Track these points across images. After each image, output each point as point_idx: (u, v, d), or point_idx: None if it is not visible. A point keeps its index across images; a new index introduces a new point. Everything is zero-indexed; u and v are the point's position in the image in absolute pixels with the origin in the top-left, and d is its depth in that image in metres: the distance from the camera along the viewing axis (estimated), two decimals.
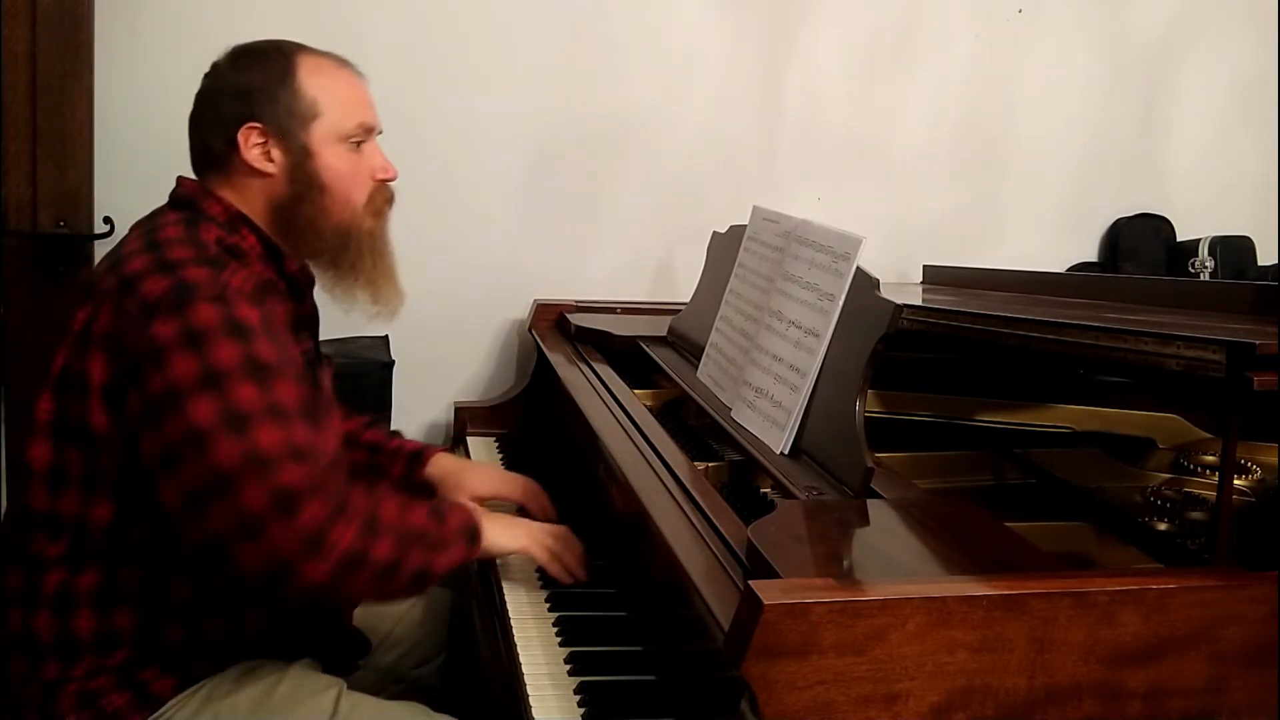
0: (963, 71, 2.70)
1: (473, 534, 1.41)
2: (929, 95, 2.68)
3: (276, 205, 1.45)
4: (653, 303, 2.47)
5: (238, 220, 1.44)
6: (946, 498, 1.46)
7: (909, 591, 0.96)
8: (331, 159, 1.45)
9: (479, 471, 1.80)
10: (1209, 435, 1.78)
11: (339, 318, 2.32)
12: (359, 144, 1.48)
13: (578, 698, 1.25)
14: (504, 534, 1.48)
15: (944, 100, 2.69)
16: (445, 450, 1.81)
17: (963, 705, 0.96)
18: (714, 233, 2.08)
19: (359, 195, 1.49)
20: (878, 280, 1.44)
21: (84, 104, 2.14)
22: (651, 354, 2.06)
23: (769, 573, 1.03)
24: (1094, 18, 2.76)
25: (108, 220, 2.17)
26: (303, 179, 1.44)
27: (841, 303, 1.46)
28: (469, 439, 2.23)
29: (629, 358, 2.11)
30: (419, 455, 1.76)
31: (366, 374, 2.22)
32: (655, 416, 1.73)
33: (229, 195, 1.45)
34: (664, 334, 2.14)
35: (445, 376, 2.46)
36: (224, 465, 1.22)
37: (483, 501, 1.71)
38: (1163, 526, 1.47)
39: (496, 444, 2.21)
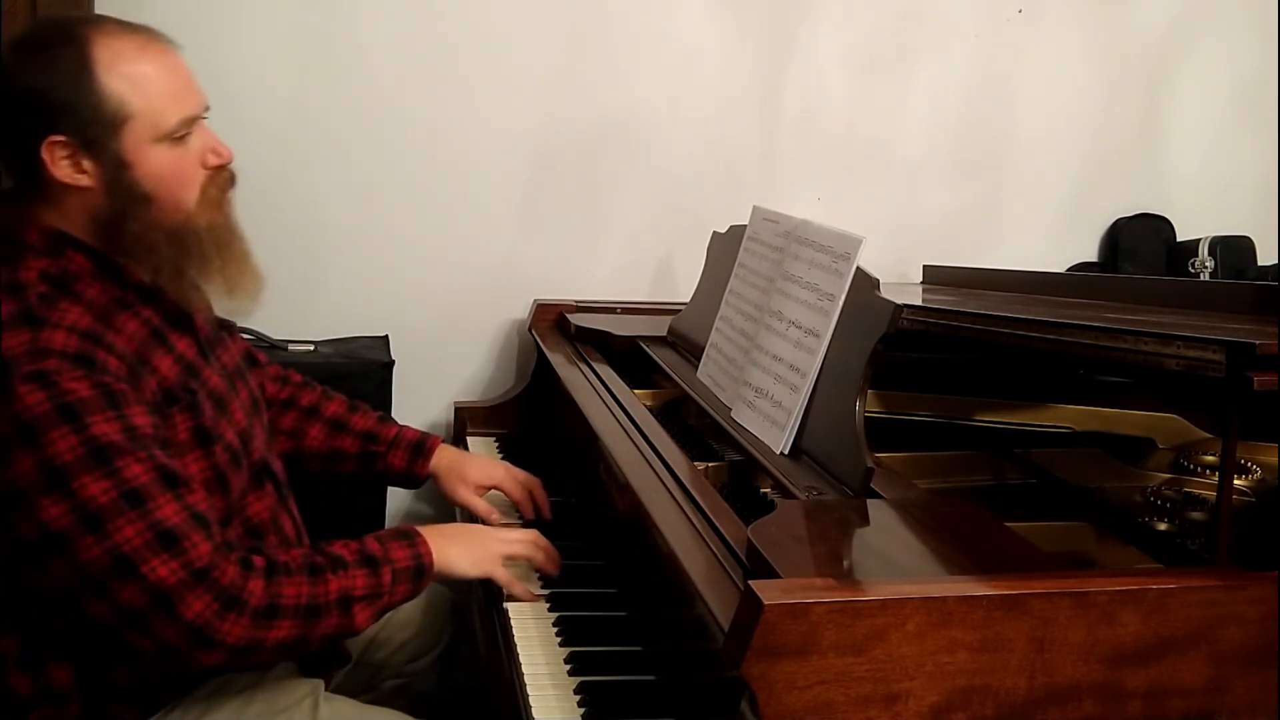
0: (963, 72, 2.69)
1: (419, 572, 1.37)
2: (929, 95, 2.68)
3: (100, 220, 1.30)
4: (653, 303, 2.47)
5: (59, 242, 1.29)
6: (946, 498, 1.46)
7: (909, 591, 0.96)
8: (152, 164, 1.29)
9: (480, 464, 1.77)
10: (1209, 435, 1.78)
11: (338, 318, 2.34)
12: (182, 137, 1.31)
13: (578, 698, 1.25)
14: (464, 559, 1.42)
15: (944, 100, 2.69)
16: (445, 443, 1.77)
17: (963, 705, 0.96)
18: (714, 233, 2.08)
19: (189, 194, 1.33)
20: (878, 280, 1.43)
21: None
22: (651, 354, 2.06)
23: (769, 573, 1.03)
24: (1094, 18, 2.75)
25: None
26: (122, 192, 1.29)
27: (841, 303, 1.46)
28: (469, 439, 2.23)
29: (629, 358, 2.11)
30: (422, 446, 1.72)
31: (366, 374, 2.22)
32: (655, 416, 1.73)
33: (47, 213, 1.30)
34: (664, 334, 2.14)
35: (445, 376, 2.46)
36: (90, 568, 1.18)
37: (482, 492, 1.71)
38: (1163, 526, 1.47)
39: (496, 444, 2.21)
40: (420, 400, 2.42)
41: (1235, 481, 1.39)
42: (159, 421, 1.27)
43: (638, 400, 1.84)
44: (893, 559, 1.13)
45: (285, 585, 1.25)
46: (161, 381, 1.30)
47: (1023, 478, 1.68)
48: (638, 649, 1.36)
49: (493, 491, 1.75)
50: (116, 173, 1.28)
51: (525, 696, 1.26)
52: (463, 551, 1.43)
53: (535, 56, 2.43)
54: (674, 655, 1.29)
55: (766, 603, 0.91)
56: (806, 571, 1.03)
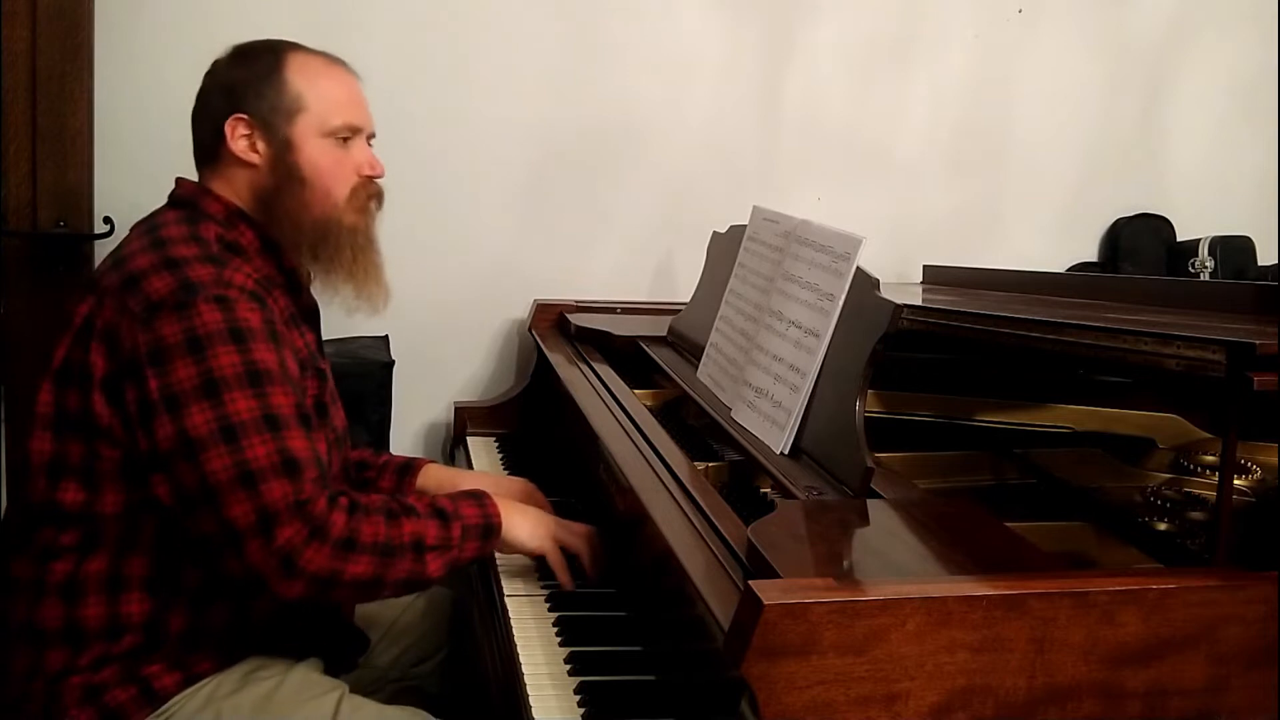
0: (963, 71, 2.69)
1: (488, 530, 1.43)
2: (929, 95, 2.68)
3: (261, 196, 1.48)
4: (653, 303, 2.47)
5: (236, 216, 1.47)
6: (946, 498, 1.46)
7: (909, 591, 0.96)
8: (313, 152, 1.48)
9: (473, 479, 1.77)
10: (1209, 435, 1.78)
11: (339, 318, 2.34)
12: (345, 140, 1.51)
13: (578, 698, 1.25)
14: (525, 528, 1.48)
15: (944, 100, 2.69)
16: (433, 462, 1.80)
17: (963, 705, 0.96)
18: (714, 233, 2.08)
19: (340, 190, 1.51)
20: (878, 280, 1.43)
21: (84, 104, 2.14)
22: (651, 354, 2.06)
23: (769, 573, 1.03)
24: (1094, 18, 2.76)
25: (108, 220, 2.17)
26: (283, 170, 1.48)
27: (841, 303, 1.45)
28: (469, 439, 2.23)
29: (629, 358, 2.11)
30: (408, 467, 1.76)
31: (366, 374, 2.22)
32: (655, 416, 1.73)
33: (224, 190, 1.49)
34: (664, 334, 2.14)
35: (445, 376, 2.46)
36: (213, 477, 1.26)
37: None
38: (1163, 526, 1.47)
39: (496, 444, 2.21)
40: (420, 400, 2.42)
41: (1235, 481, 1.38)
42: (307, 368, 1.43)
43: (638, 400, 1.84)
44: (893, 559, 1.13)
45: (364, 523, 1.32)
46: (298, 352, 1.45)
47: (1023, 478, 1.68)
48: (638, 649, 1.36)
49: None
50: (282, 153, 1.47)
51: (525, 696, 1.26)
52: (525, 523, 1.49)
53: (536, 57, 2.43)
54: (674, 655, 1.29)
55: (766, 603, 0.91)
56: (806, 571, 1.03)
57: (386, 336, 2.36)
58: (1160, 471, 1.71)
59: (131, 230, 1.48)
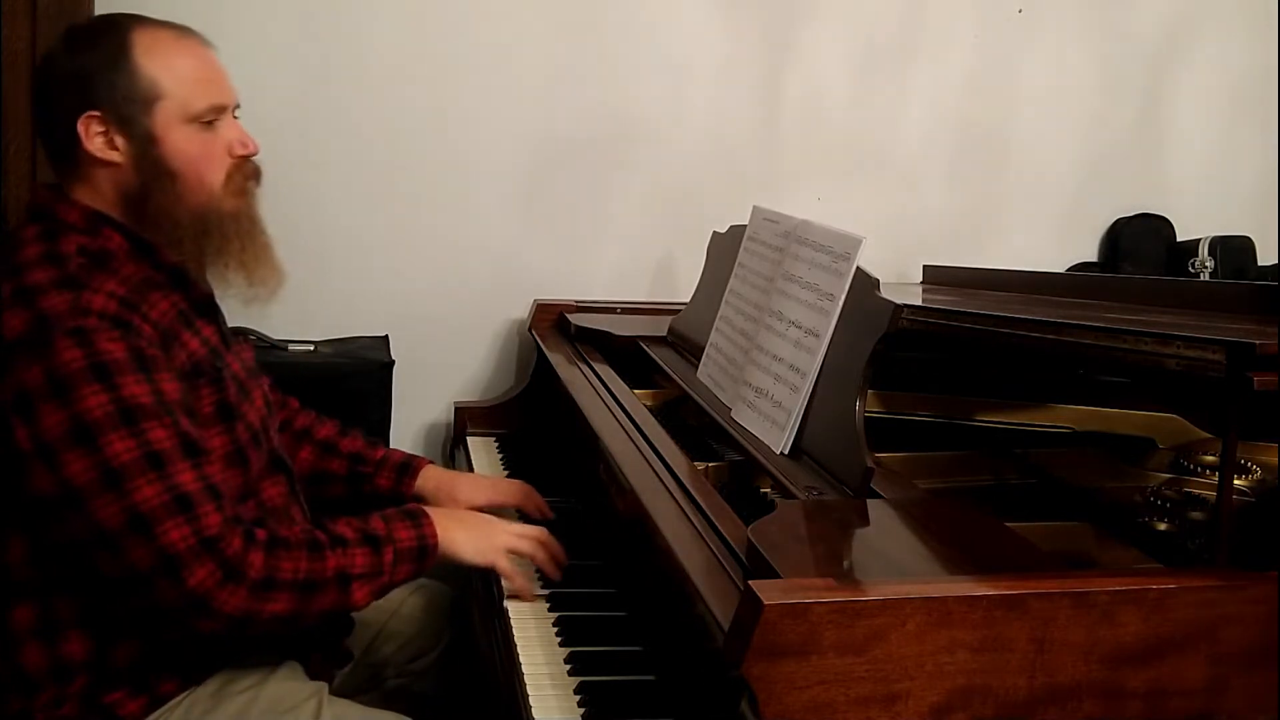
0: (963, 72, 2.69)
1: (422, 552, 1.39)
2: (929, 95, 2.68)
3: (129, 196, 1.37)
4: (653, 303, 2.47)
5: (97, 221, 1.36)
6: (946, 498, 1.46)
7: (909, 591, 0.96)
8: (180, 142, 1.36)
9: (471, 482, 1.77)
10: (1209, 435, 1.78)
11: (338, 318, 2.34)
12: (210, 123, 1.39)
13: (578, 698, 1.25)
14: (468, 544, 1.44)
15: (944, 100, 2.69)
16: (432, 462, 1.78)
17: (963, 705, 0.96)
18: (714, 233, 2.08)
19: (214, 176, 1.39)
20: (878, 280, 1.43)
21: None
22: (651, 354, 2.06)
23: (769, 573, 1.03)
24: (1094, 18, 2.75)
25: None
26: (150, 167, 1.36)
27: (841, 303, 1.45)
28: (469, 439, 2.23)
29: (629, 358, 2.11)
30: (407, 467, 1.72)
31: (366, 374, 2.22)
32: (655, 416, 1.73)
33: (83, 193, 1.37)
34: (664, 334, 2.14)
35: (445, 376, 2.46)
36: (105, 524, 1.21)
37: (479, 510, 1.67)
38: (1163, 526, 1.47)
39: (496, 444, 2.21)
40: (420, 400, 2.42)
41: (1235, 481, 1.38)
42: (187, 390, 1.33)
43: (638, 400, 1.84)
44: (893, 559, 1.13)
45: (284, 560, 1.28)
46: (190, 355, 1.36)
47: (1023, 478, 1.68)
48: (638, 649, 1.36)
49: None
50: (145, 148, 1.35)
51: (525, 696, 1.26)
52: (468, 537, 1.45)
53: (535, 57, 2.43)
54: (674, 655, 1.29)
55: (766, 603, 0.91)
56: (806, 571, 1.03)
57: (386, 336, 2.36)
58: (1160, 471, 1.70)
59: None
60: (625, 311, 2.42)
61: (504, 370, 2.50)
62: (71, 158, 1.36)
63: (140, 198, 1.37)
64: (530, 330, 2.37)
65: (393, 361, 2.27)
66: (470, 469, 2.06)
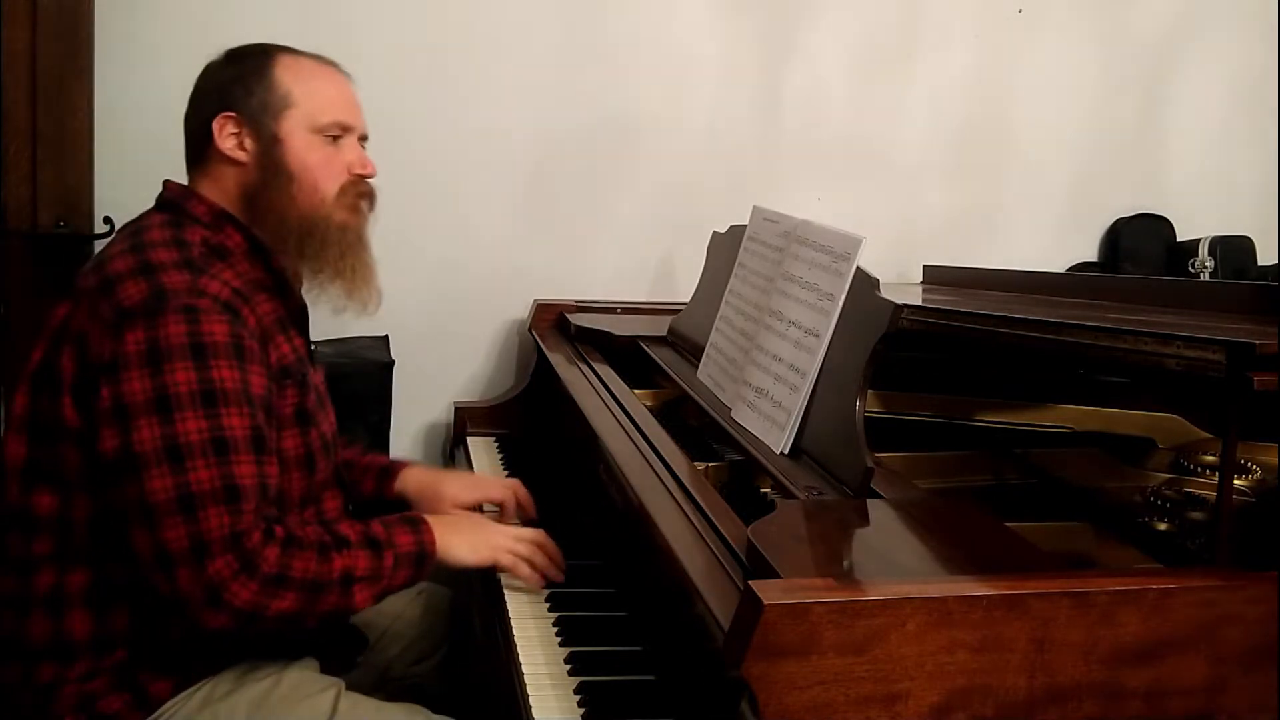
0: (963, 71, 2.70)
1: (421, 558, 1.41)
2: (929, 95, 2.68)
3: (248, 194, 1.46)
4: (653, 303, 2.47)
5: (222, 218, 1.45)
6: (946, 498, 1.46)
7: (909, 591, 0.96)
8: (301, 148, 1.46)
9: (458, 481, 1.77)
10: (1209, 435, 1.78)
11: (338, 318, 2.33)
12: (335, 138, 1.49)
13: (578, 698, 1.25)
14: (464, 547, 1.46)
15: (944, 100, 2.69)
16: (415, 464, 1.79)
17: (963, 705, 0.96)
18: (714, 233, 2.08)
19: (329, 186, 1.48)
20: (878, 280, 1.43)
21: (84, 104, 2.15)
22: (651, 354, 2.06)
23: (769, 573, 1.03)
24: (1094, 17, 2.76)
25: (108, 220, 2.17)
26: (270, 166, 1.45)
27: (841, 303, 1.45)
28: (469, 439, 2.23)
29: (629, 358, 2.11)
30: (387, 470, 1.74)
31: (366, 374, 2.23)
32: (655, 416, 1.73)
33: (211, 191, 1.47)
34: (664, 334, 2.14)
35: (445, 376, 2.46)
36: (152, 496, 1.24)
37: (468, 509, 1.69)
38: (1163, 526, 1.47)
39: (496, 444, 2.21)
40: (420, 400, 2.42)
41: (1235, 481, 1.38)
42: (273, 388, 1.39)
43: (638, 400, 1.84)
44: (893, 559, 1.13)
45: (296, 558, 1.30)
46: (282, 358, 1.43)
47: (1023, 478, 1.68)
48: (638, 649, 1.36)
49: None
50: (269, 147, 1.45)
51: (525, 696, 1.26)
52: (465, 540, 1.47)
53: (535, 57, 2.43)
54: (674, 655, 1.29)
55: (766, 603, 0.91)
56: (806, 571, 1.03)
57: (386, 336, 2.36)
58: (1160, 471, 1.70)
59: (117, 232, 1.47)
60: (625, 311, 2.42)
61: (504, 370, 2.50)
62: (203, 154, 1.47)
63: (257, 194, 1.45)
64: (530, 330, 2.37)
65: (393, 361, 2.27)
66: (470, 469, 2.06)
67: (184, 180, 1.52)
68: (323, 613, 1.33)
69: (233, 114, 1.45)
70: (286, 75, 1.47)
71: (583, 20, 2.45)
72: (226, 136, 1.45)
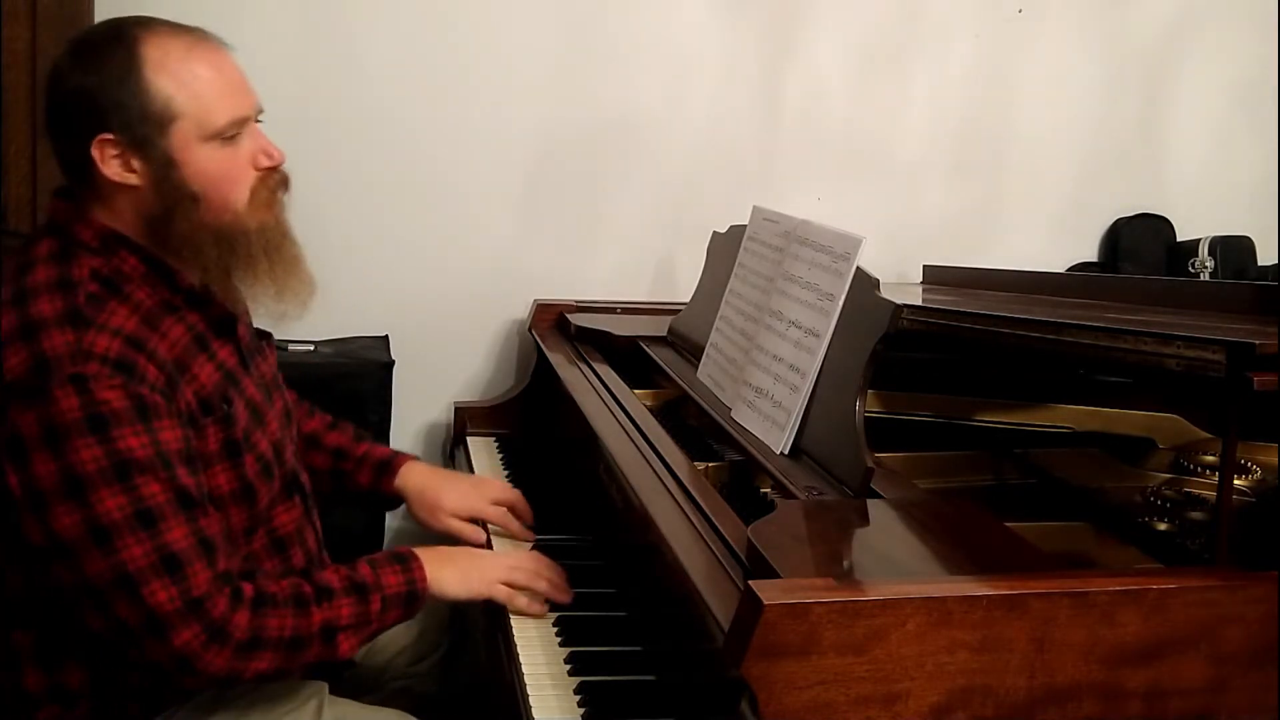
0: (963, 71, 2.69)
1: (411, 597, 1.38)
2: (929, 95, 2.68)
3: (149, 221, 1.31)
4: (653, 303, 2.47)
5: (113, 242, 1.30)
6: (946, 498, 1.46)
7: (909, 591, 0.96)
8: (200, 163, 1.29)
9: (457, 491, 1.70)
10: (1209, 435, 1.78)
11: (338, 318, 2.34)
12: (232, 138, 1.32)
13: (578, 698, 1.25)
14: (456, 581, 1.43)
15: (944, 100, 2.69)
16: (415, 459, 1.73)
17: (963, 705, 0.96)
18: (714, 233, 2.08)
19: (239, 194, 1.33)
20: (878, 280, 1.43)
21: None
22: (651, 354, 2.06)
23: (769, 573, 1.03)
24: (1094, 18, 2.75)
25: None
26: (170, 191, 1.29)
27: (841, 303, 1.45)
28: (469, 439, 2.23)
29: (629, 358, 2.11)
30: (387, 464, 1.69)
31: (366, 374, 2.22)
32: (655, 416, 1.73)
33: (102, 213, 1.31)
34: (664, 334, 2.14)
35: (445, 376, 2.46)
36: (92, 580, 1.19)
37: (466, 522, 1.66)
38: (1163, 526, 1.47)
39: (496, 444, 2.21)
40: (420, 400, 2.42)
41: (1235, 481, 1.38)
42: (189, 434, 1.28)
43: (638, 400, 1.84)
44: (893, 559, 1.13)
45: (270, 618, 1.26)
46: (199, 391, 1.31)
47: (1023, 478, 1.68)
48: (638, 649, 1.36)
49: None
50: (164, 171, 1.28)
51: (525, 696, 1.26)
52: (455, 574, 1.43)
53: (535, 56, 2.43)
54: (674, 655, 1.29)
55: (766, 603, 0.91)
56: (806, 571, 1.03)
57: (386, 336, 2.36)
58: (1160, 471, 1.70)
59: (4, 262, 1.32)
60: (625, 311, 2.42)
61: (504, 370, 2.50)
62: (88, 179, 1.30)
63: (162, 221, 1.31)
64: (530, 330, 2.37)
65: (393, 361, 2.27)
66: (470, 469, 2.06)
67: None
68: (305, 665, 1.31)
69: (110, 135, 1.26)
70: (160, 76, 1.26)
71: (583, 20, 2.44)
72: (109, 161, 1.27)
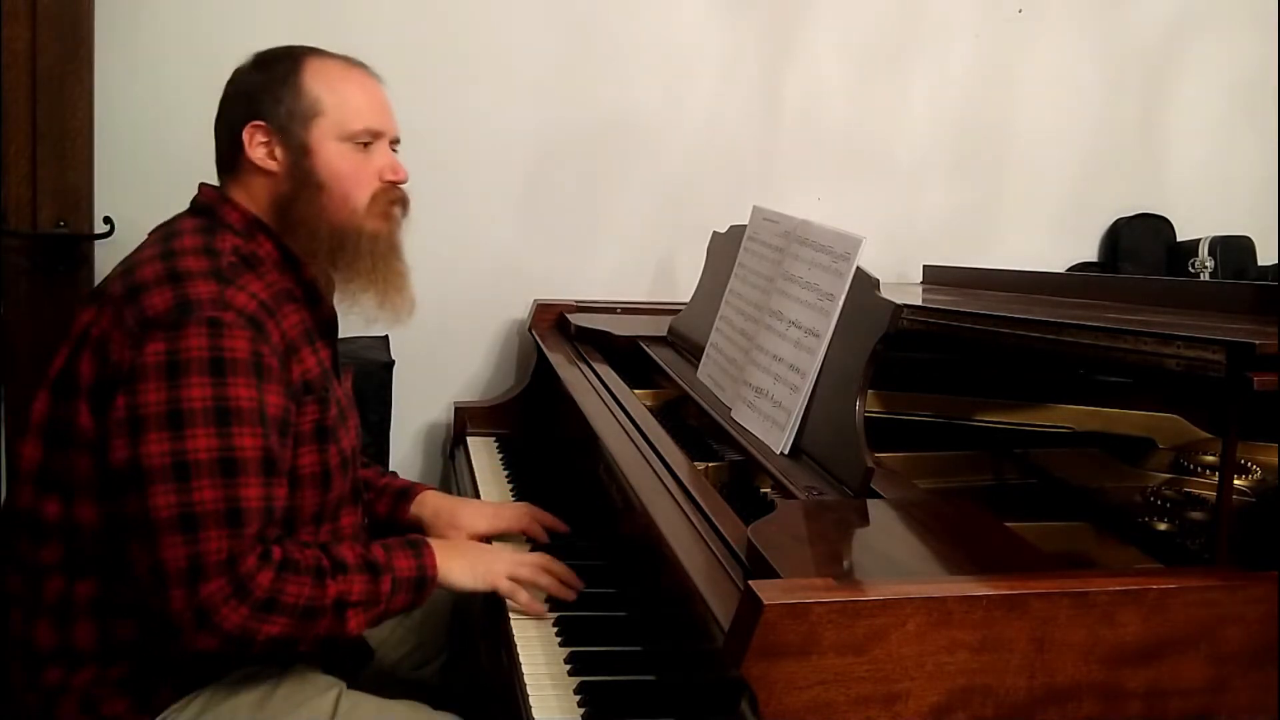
0: (963, 71, 2.70)
1: (421, 583, 1.41)
2: (929, 95, 2.68)
3: (279, 204, 1.45)
4: (653, 303, 2.47)
5: (254, 227, 1.44)
6: (946, 498, 1.46)
7: (909, 591, 0.96)
8: (331, 157, 1.45)
9: (473, 509, 1.74)
10: (1209, 435, 1.78)
11: (347, 319, 2.33)
12: (365, 145, 1.47)
13: (578, 698, 1.25)
14: (464, 571, 1.46)
15: (944, 100, 2.69)
16: (433, 489, 1.77)
17: (963, 705, 0.96)
18: (714, 233, 2.08)
19: (360, 195, 1.47)
20: (878, 280, 1.43)
21: (84, 104, 2.14)
22: (651, 354, 2.06)
23: (769, 573, 1.03)
24: (1094, 17, 2.76)
25: (108, 220, 2.17)
26: (300, 176, 1.44)
27: (841, 303, 1.45)
28: (469, 439, 2.23)
29: (629, 358, 2.11)
30: (405, 493, 1.73)
31: (366, 374, 2.22)
32: (655, 416, 1.73)
33: (243, 198, 1.46)
34: (664, 334, 2.14)
35: (445, 376, 2.46)
36: (155, 512, 1.23)
37: (482, 539, 1.67)
38: (1163, 526, 1.47)
39: (496, 444, 2.21)
40: (420, 400, 2.42)
41: (1235, 481, 1.38)
42: (291, 407, 1.37)
43: (638, 400, 1.84)
44: (893, 559, 1.13)
45: (290, 583, 1.28)
46: (305, 374, 1.42)
47: (1023, 478, 1.68)
48: (638, 649, 1.36)
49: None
50: (299, 158, 1.44)
51: (525, 696, 1.26)
52: (464, 565, 1.46)
53: (535, 57, 2.43)
54: (674, 655, 1.29)
55: (766, 603, 0.91)
56: (806, 571, 1.03)
57: (386, 336, 2.36)
58: (1160, 471, 1.71)
59: (149, 236, 1.45)
60: (625, 311, 2.42)
61: (504, 370, 2.50)
62: (235, 162, 1.46)
63: (288, 205, 1.44)
64: (530, 330, 2.37)
65: (393, 361, 2.27)
66: (470, 469, 2.06)
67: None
68: (315, 638, 1.32)
69: (261, 123, 1.43)
70: (315, 81, 1.45)
71: (583, 20, 2.45)
72: (256, 146, 1.44)
